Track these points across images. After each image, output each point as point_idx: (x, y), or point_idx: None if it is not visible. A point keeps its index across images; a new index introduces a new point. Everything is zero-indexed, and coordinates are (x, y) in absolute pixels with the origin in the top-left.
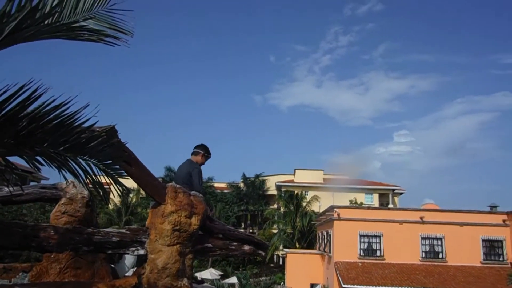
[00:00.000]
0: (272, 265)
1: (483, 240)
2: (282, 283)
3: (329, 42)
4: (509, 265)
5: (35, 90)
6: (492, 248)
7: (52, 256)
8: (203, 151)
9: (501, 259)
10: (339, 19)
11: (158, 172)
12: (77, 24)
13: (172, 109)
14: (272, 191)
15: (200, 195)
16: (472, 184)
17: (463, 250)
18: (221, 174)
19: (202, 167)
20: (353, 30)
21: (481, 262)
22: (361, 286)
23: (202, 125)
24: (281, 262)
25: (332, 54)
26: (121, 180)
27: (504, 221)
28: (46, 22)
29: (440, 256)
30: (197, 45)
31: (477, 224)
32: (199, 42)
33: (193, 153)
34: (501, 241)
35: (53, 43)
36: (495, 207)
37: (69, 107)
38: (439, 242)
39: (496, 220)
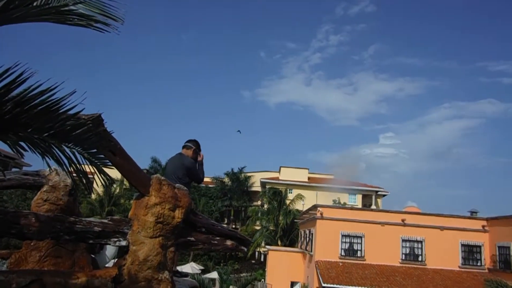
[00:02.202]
0: (253, 261)
1: (462, 245)
2: (263, 280)
3: (320, 40)
4: (487, 271)
5: (21, 74)
6: (471, 253)
7: (32, 244)
8: (195, 146)
9: (479, 264)
10: (331, 18)
11: (144, 163)
12: (66, 8)
13: (159, 103)
14: (257, 187)
15: (185, 188)
16: (455, 188)
17: (442, 254)
18: (206, 169)
19: None
20: (345, 29)
21: (459, 267)
22: (341, 286)
23: (190, 119)
24: (262, 259)
25: (322, 53)
26: (105, 170)
27: (483, 226)
28: (34, 3)
29: (420, 259)
30: (188, 40)
31: (457, 229)
32: (190, 36)
33: (185, 147)
34: (479, 247)
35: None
36: (476, 212)
37: (55, 93)
38: (419, 245)
39: (475, 226)
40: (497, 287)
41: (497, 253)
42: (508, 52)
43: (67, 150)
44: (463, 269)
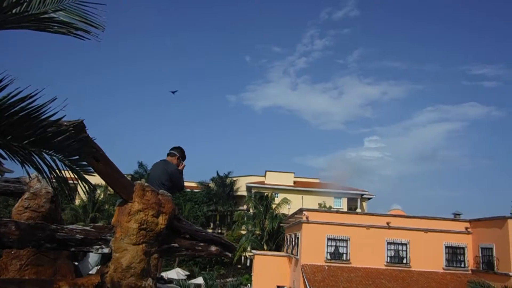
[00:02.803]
0: (239, 266)
1: (446, 247)
2: (249, 284)
3: (305, 45)
4: (470, 272)
5: (0, 81)
6: (454, 254)
7: (12, 252)
8: (179, 154)
9: (462, 265)
10: (316, 23)
11: (129, 168)
12: (46, 15)
13: (144, 108)
14: (242, 192)
15: (169, 194)
16: (439, 190)
17: (427, 256)
18: (191, 173)
19: None
20: (329, 34)
21: (443, 268)
22: None
23: (175, 124)
24: (248, 264)
25: (308, 57)
26: (88, 176)
27: (466, 228)
28: (14, 11)
29: (405, 261)
30: (173, 44)
31: (441, 231)
32: (175, 40)
33: (170, 154)
34: (463, 248)
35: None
36: (459, 214)
37: (35, 99)
38: (404, 248)
39: (459, 228)
40: None
41: (480, 255)
42: (488, 56)
43: (48, 157)
44: (447, 271)
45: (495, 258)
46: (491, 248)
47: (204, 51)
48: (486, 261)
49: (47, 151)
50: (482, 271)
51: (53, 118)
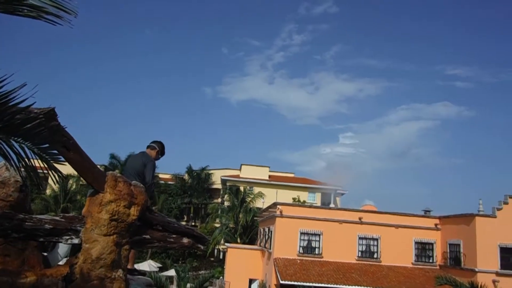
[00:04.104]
0: (212, 259)
1: (415, 242)
2: (221, 277)
3: (283, 39)
4: (438, 267)
5: None
6: (424, 250)
7: None
8: (159, 148)
9: (431, 261)
10: (294, 18)
11: (103, 159)
12: None
13: (120, 102)
14: (217, 185)
15: (141, 185)
16: (411, 187)
17: (397, 251)
18: (166, 165)
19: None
20: (307, 29)
21: (412, 263)
22: (299, 283)
23: (151, 116)
24: (221, 257)
25: (286, 52)
26: (60, 166)
27: (436, 225)
28: None
29: (375, 256)
30: (148, 36)
31: (411, 227)
32: (153, 31)
33: (149, 147)
34: (432, 244)
35: None
36: (429, 211)
37: (4, 85)
38: (375, 243)
39: (429, 224)
40: (446, 283)
41: (448, 250)
42: (462, 57)
43: (16, 145)
44: (415, 266)
45: (462, 254)
46: (459, 244)
47: (182, 42)
48: (454, 257)
49: (16, 138)
50: (450, 266)
51: (22, 105)
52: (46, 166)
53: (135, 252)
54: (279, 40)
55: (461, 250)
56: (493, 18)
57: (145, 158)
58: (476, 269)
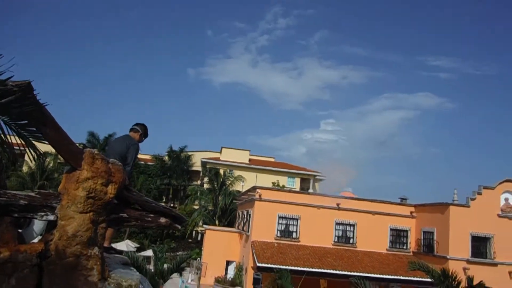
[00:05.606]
0: (190, 240)
1: (391, 229)
2: (199, 258)
3: (268, 22)
4: (411, 254)
5: None
6: (398, 237)
7: None
8: (142, 131)
9: (405, 247)
10: (281, 1)
11: (81, 138)
12: None
13: (102, 82)
14: (197, 167)
15: (119, 163)
16: (389, 175)
17: (372, 237)
18: (146, 146)
19: None
20: (293, 13)
21: (387, 249)
22: (275, 266)
23: (133, 97)
24: (199, 238)
25: (270, 35)
26: (37, 143)
27: (411, 212)
28: None
29: (351, 241)
30: (136, 15)
31: (387, 214)
32: (138, 12)
33: (132, 130)
34: (406, 231)
35: None
36: (405, 199)
37: None
38: (352, 228)
39: (404, 212)
40: (418, 268)
41: (422, 238)
42: (445, 47)
43: None
44: (390, 252)
45: (435, 242)
46: (432, 232)
47: (164, 23)
48: (427, 244)
49: None
50: (423, 253)
51: None
52: (23, 143)
53: (113, 231)
54: (264, 23)
55: (434, 238)
56: (478, 11)
57: (129, 141)
58: (448, 256)
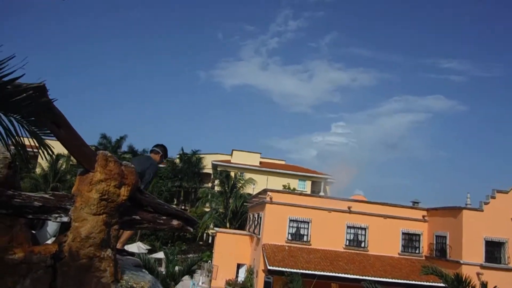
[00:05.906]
0: (201, 243)
1: (403, 233)
2: (209, 261)
3: (279, 25)
4: (424, 258)
5: None
6: (410, 241)
7: None
8: (162, 152)
9: (417, 251)
10: (290, 3)
11: (93, 139)
12: None
13: (113, 83)
14: (208, 169)
15: (132, 166)
16: (400, 178)
17: (384, 241)
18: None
19: None
20: (303, 16)
21: (399, 253)
22: (286, 269)
23: (144, 98)
24: (210, 241)
25: (280, 38)
26: (49, 143)
27: (423, 216)
28: None
29: (363, 245)
30: (147, 17)
31: (399, 218)
32: (149, 13)
33: (153, 151)
34: (419, 235)
35: None
36: (417, 203)
37: None
38: (363, 232)
39: (416, 215)
40: (431, 273)
41: (434, 242)
42: (457, 50)
43: (5, 118)
44: (402, 256)
45: (448, 246)
46: (445, 236)
47: (177, 26)
48: (440, 248)
49: (3, 112)
50: (435, 257)
51: (11, 77)
52: (36, 142)
53: (130, 234)
54: (275, 26)
55: (447, 242)
56: (489, 13)
57: (149, 162)
58: (461, 261)
